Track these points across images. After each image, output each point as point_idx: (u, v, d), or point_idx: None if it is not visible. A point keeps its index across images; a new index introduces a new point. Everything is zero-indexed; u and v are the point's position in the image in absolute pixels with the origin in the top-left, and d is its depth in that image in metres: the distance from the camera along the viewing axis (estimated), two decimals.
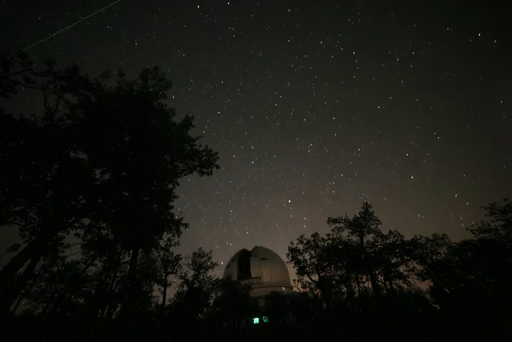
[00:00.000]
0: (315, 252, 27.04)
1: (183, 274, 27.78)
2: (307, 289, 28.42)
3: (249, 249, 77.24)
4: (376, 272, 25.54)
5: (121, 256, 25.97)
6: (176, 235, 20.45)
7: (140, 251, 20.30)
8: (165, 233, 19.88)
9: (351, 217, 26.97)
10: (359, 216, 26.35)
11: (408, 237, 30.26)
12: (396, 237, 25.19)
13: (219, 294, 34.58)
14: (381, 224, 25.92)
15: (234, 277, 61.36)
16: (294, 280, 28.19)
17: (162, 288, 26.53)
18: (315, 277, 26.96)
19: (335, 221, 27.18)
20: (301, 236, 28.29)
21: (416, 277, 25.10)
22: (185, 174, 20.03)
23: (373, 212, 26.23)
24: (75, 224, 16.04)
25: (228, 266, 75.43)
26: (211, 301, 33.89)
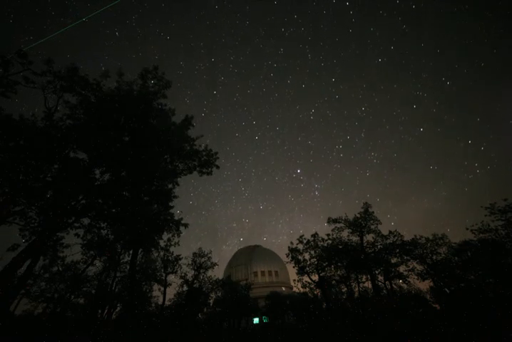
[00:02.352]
0: (315, 252, 27.03)
1: (183, 274, 27.77)
2: (307, 289, 28.40)
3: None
4: (376, 272, 25.53)
5: (121, 256, 25.95)
6: (176, 235, 20.49)
7: (140, 251, 20.33)
8: (165, 233, 19.93)
9: (351, 217, 27.05)
10: (358, 216, 26.37)
11: (408, 237, 30.31)
12: (396, 237, 25.21)
13: (219, 294, 34.58)
14: (381, 224, 25.96)
15: (235, 277, 61.38)
16: (294, 280, 28.18)
17: (162, 288, 26.52)
18: (315, 277, 26.97)
19: (335, 221, 27.20)
20: (301, 237, 28.30)
21: (416, 277, 25.12)
22: (185, 174, 20.02)
23: (373, 212, 26.26)
24: (75, 224, 16.05)
25: (228, 265, 75.47)
26: (211, 301, 33.87)
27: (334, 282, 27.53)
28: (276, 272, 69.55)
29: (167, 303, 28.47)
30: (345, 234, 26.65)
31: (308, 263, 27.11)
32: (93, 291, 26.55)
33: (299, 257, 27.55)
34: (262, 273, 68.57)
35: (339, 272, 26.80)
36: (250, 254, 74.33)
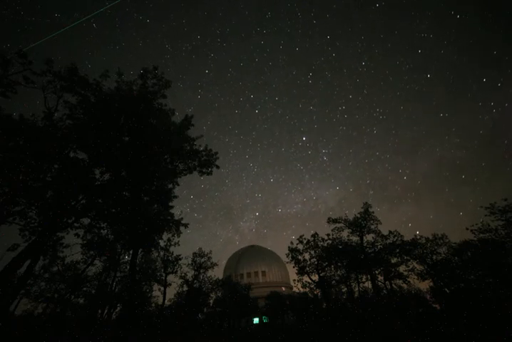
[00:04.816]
0: (315, 252, 27.04)
1: (183, 274, 27.79)
2: (307, 289, 28.42)
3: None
4: (376, 272, 25.53)
5: (121, 256, 26.00)
6: (176, 235, 20.49)
7: (140, 251, 20.31)
8: (165, 233, 19.94)
9: (351, 217, 27.07)
10: (358, 216, 26.37)
11: (408, 237, 30.28)
12: (396, 237, 25.20)
13: (219, 294, 34.58)
14: (381, 224, 25.95)
15: (235, 276, 61.36)
16: (294, 280, 28.20)
17: (162, 288, 26.54)
18: (315, 277, 26.98)
19: (335, 221, 27.18)
20: (301, 236, 28.31)
21: (416, 277, 25.10)
22: (185, 174, 20.04)
23: (373, 212, 26.25)
24: (75, 224, 16.05)
25: (228, 265, 75.45)
26: (211, 301, 33.89)
27: (334, 282, 27.52)
28: (276, 272, 69.68)
29: (167, 303, 28.54)
30: (345, 234, 26.67)
31: (308, 263, 27.12)
32: (93, 291, 26.54)
33: (299, 257, 27.56)
34: (262, 272, 68.84)
35: (339, 272, 26.81)
36: (250, 253, 74.52)
